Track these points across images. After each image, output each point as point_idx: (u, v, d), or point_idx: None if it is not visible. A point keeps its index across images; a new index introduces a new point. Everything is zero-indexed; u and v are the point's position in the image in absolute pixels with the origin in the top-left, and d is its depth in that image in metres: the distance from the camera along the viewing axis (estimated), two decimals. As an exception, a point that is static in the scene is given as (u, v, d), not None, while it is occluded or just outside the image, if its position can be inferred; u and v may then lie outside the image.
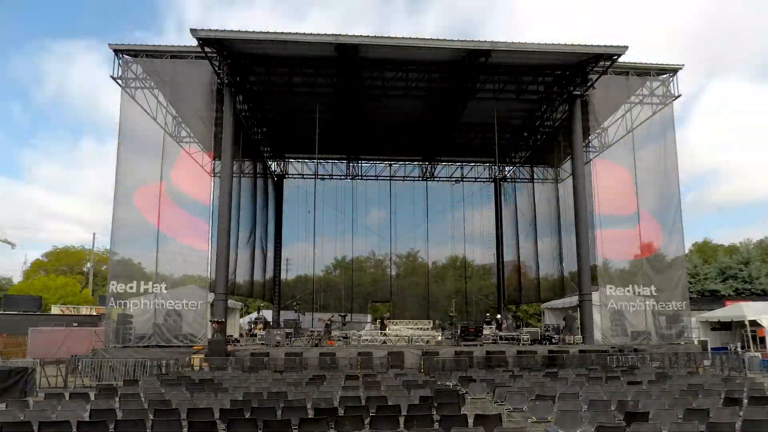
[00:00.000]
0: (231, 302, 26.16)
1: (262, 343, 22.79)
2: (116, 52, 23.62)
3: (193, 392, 11.86)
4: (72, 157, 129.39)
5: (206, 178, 23.81)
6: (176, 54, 23.87)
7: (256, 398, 11.11)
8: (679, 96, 26.06)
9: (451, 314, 30.55)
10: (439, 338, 24.44)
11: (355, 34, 21.59)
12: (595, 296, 24.36)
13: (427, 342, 23.39)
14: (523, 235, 37.85)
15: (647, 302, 24.47)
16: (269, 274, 37.00)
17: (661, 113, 26.04)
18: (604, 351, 21.31)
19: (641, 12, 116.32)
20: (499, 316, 28.47)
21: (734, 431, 8.54)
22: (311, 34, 21.55)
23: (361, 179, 39.28)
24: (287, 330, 24.27)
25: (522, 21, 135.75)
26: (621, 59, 23.30)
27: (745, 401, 10.88)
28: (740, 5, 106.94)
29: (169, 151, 23.80)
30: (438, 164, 39.20)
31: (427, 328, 25.81)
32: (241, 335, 27.41)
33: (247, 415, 9.45)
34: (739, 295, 41.71)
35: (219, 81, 23.85)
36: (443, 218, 39.91)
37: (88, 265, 53.35)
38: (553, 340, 24.05)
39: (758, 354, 24.15)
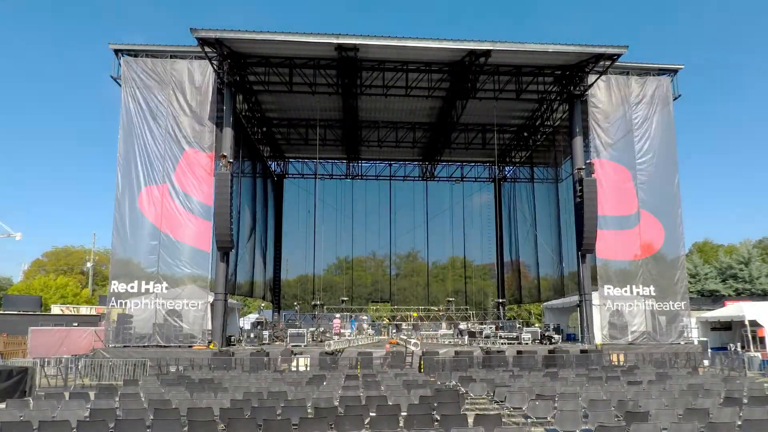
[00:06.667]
0: (231, 302, 26.14)
1: (263, 343, 22.83)
2: (116, 51, 23.64)
3: (193, 392, 11.87)
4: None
5: (207, 177, 23.81)
6: (176, 54, 23.89)
7: (256, 398, 11.11)
8: (679, 96, 26.14)
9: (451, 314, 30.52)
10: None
11: (355, 34, 21.60)
12: (595, 296, 24.36)
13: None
14: (523, 235, 37.81)
15: (647, 302, 24.47)
16: (269, 273, 37.00)
17: (661, 113, 26.06)
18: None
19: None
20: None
21: (734, 431, 8.54)
22: (311, 34, 21.58)
23: (361, 179, 39.33)
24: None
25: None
26: (621, 59, 23.34)
27: (745, 401, 10.88)
28: None
29: (170, 151, 23.80)
30: (438, 164, 39.21)
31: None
32: (240, 336, 27.31)
33: (247, 415, 9.45)
34: (739, 295, 41.76)
35: (219, 81, 23.88)
36: (443, 218, 40.00)
37: (88, 264, 53.20)
38: (553, 340, 24.04)
39: (758, 354, 24.16)
